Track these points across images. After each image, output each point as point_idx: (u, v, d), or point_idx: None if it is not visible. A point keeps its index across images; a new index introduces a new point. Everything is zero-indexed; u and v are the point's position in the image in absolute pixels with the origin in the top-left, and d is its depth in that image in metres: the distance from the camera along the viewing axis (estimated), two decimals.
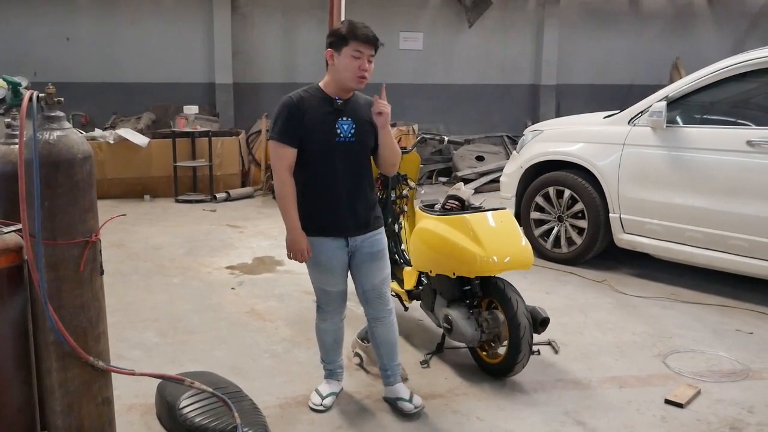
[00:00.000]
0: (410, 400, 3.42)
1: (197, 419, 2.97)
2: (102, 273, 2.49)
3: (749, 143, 4.89)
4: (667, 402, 3.54)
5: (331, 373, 3.58)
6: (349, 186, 3.21)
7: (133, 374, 2.71)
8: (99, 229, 2.44)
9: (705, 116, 5.38)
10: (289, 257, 3.25)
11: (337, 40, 3.11)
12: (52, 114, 2.34)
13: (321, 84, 3.23)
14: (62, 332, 2.33)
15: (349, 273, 3.36)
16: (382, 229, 3.39)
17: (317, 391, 3.52)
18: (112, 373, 2.57)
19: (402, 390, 3.47)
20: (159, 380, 3.20)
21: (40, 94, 2.31)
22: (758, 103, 5.37)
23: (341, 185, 3.20)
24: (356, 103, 3.24)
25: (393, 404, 3.47)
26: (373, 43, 3.10)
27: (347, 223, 3.23)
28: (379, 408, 3.48)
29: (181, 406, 3.05)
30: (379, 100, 3.15)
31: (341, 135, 3.16)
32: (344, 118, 3.18)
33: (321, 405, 3.43)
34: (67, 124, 2.39)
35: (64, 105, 2.40)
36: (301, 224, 3.21)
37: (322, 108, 3.17)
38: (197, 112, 9.60)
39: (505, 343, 3.67)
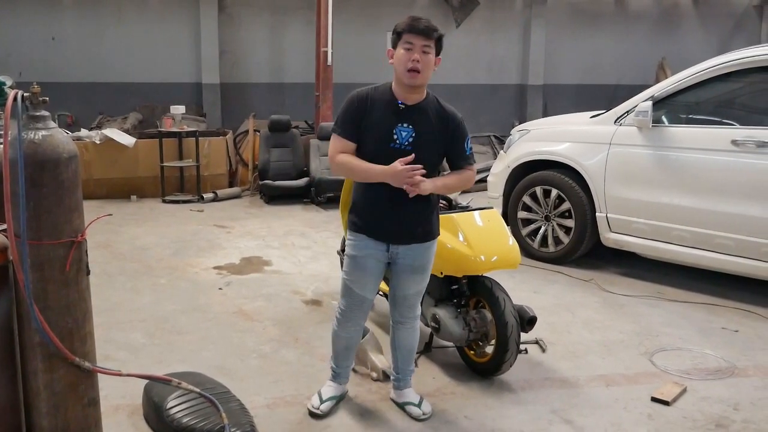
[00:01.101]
0: (419, 405, 3.39)
1: (184, 420, 2.96)
2: (88, 273, 2.47)
3: (734, 143, 4.93)
4: (654, 400, 3.56)
5: (336, 375, 3.50)
6: (396, 195, 3.00)
7: (120, 375, 2.69)
8: (85, 229, 2.42)
9: (690, 116, 5.43)
10: (409, 189, 2.93)
11: (394, 37, 3.00)
12: (37, 113, 2.32)
13: (392, 84, 3.08)
14: (48, 333, 2.31)
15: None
16: (431, 243, 3.21)
17: (319, 393, 3.45)
18: (99, 374, 2.55)
19: (411, 395, 3.45)
20: (146, 381, 3.19)
21: (25, 94, 2.29)
22: (743, 103, 5.42)
23: (388, 193, 3.01)
24: (423, 110, 3.04)
25: (401, 408, 3.43)
26: (423, 33, 2.91)
27: (389, 230, 3.10)
28: (367, 408, 3.48)
29: (168, 406, 3.03)
30: (411, 179, 2.89)
31: (397, 141, 2.99)
32: (404, 125, 3.00)
33: (318, 409, 3.36)
34: (53, 124, 2.37)
35: (50, 105, 2.38)
36: (348, 220, 3.17)
37: (385, 109, 3.02)
38: (184, 112, 9.56)
39: (493, 342, 3.68)
